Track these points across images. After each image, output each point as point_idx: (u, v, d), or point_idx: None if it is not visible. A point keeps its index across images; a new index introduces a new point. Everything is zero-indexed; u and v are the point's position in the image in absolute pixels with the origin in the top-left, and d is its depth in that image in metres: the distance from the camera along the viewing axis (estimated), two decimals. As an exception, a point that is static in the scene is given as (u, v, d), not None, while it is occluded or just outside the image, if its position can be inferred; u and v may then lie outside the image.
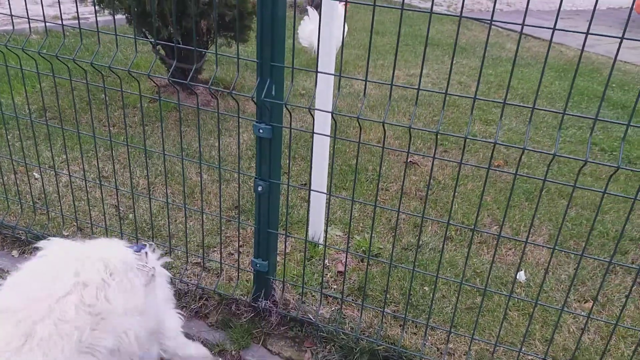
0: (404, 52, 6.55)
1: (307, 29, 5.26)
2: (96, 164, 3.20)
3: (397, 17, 8.81)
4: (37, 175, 3.02)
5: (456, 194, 3.20)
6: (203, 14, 3.77)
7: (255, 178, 1.79)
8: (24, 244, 2.45)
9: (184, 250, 2.36)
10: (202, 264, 2.32)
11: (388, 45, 6.85)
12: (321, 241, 2.45)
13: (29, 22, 2.02)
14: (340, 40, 5.69)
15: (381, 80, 5.40)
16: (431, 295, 2.29)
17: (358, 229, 2.75)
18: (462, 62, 6.30)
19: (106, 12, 3.90)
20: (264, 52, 1.62)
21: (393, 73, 1.56)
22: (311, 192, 2.08)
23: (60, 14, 2.00)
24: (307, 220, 2.37)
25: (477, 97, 1.44)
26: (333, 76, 2.16)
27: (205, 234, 2.56)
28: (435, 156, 1.60)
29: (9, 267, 2.36)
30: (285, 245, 2.32)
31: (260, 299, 2.01)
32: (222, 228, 2.65)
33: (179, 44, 3.93)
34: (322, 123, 2.15)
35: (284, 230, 2.54)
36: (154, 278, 1.47)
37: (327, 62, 2.05)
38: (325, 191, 2.28)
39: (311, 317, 1.97)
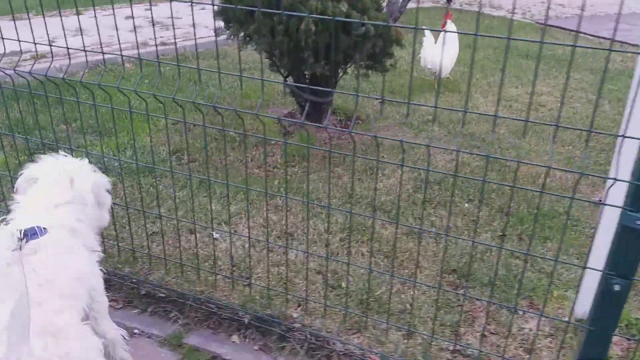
0: (506, 67, 6.19)
1: (430, 52, 4.98)
2: (264, 216, 2.89)
3: (485, 28, 8.36)
4: (215, 235, 2.75)
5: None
6: (356, 45, 3.48)
7: (608, 274, 1.47)
8: (245, 327, 2.16)
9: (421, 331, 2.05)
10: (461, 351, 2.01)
11: (486, 60, 6.50)
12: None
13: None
14: (454, 58, 5.37)
15: (511, 101, 5.04)
16: None
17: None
18: (576, 77, 5.91)
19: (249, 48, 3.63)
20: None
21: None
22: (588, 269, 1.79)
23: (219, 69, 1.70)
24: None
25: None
26: None
27: (432, 307, 2.25)
28: None
29: (231, 355, 2.08)
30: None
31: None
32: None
33: (315, 79, 3.65)
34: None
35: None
36: None
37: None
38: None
39: None
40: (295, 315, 2.13)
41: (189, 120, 4.22)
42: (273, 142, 3.97)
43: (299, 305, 2.24)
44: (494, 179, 3.44)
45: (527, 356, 2.02)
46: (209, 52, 6.38)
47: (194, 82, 5.27)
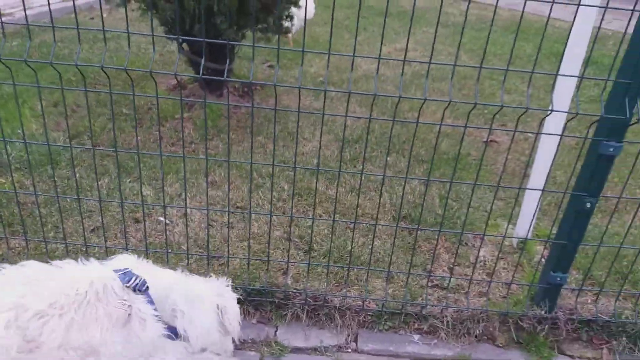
0: (367, 26, 6.56)
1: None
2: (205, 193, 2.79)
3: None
4: (161, 219, 2.59)
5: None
6: (268, 8, 3.42)
7: (584, 195, 1.79)
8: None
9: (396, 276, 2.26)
10: (444, 285, 2.25)
11: (349, 20, 6.80)
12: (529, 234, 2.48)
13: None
14: (310, 14, 5.48)
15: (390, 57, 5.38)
16: None
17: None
18: (429, 31, 6.51)
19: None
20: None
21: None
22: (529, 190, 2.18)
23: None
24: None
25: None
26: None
27: (401, 252, 2.47)
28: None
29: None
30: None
31: (555, 310, 2.04)
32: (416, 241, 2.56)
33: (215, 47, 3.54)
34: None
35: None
36: (130, 318, 1.35)
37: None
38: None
39: (603, 317, 2.06)
40: (288, 281, 2.17)
41: (67, 96, 3.78)
42: (177, 117, 3.77)
43: (284, 273, 2.27)
44: (396, 131, 3.75)
45: (489, 279, 2.34)
46: (61, 20, 5.66)
47: (62, 56, 4.67)
